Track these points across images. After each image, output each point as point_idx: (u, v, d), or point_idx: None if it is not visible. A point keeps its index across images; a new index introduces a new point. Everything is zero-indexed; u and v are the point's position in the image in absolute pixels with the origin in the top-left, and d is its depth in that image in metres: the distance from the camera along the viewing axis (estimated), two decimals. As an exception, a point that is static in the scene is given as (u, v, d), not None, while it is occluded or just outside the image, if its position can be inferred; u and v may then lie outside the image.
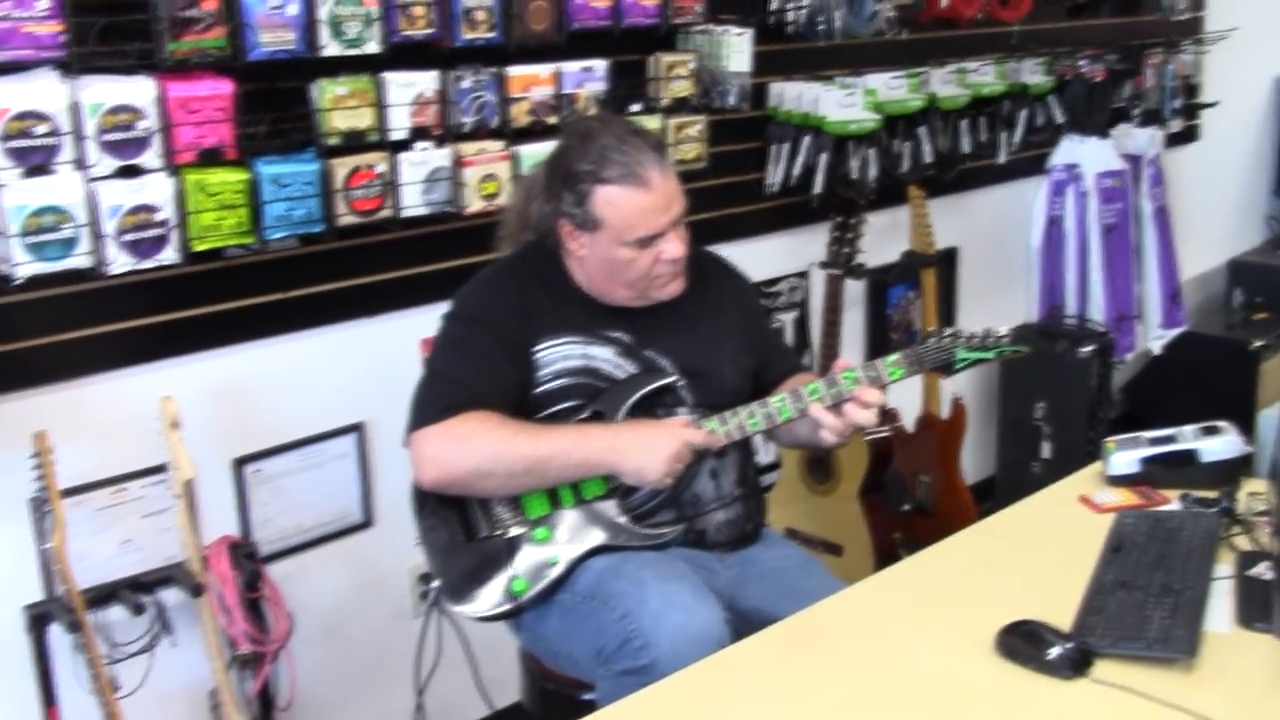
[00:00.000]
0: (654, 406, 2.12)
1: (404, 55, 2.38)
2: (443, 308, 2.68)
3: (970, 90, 3.61)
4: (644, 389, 2.10)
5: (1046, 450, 4.04)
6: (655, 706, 1.58)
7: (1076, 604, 1.68)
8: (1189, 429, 2.08)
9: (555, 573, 2.05)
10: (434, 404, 2.04)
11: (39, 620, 2.24)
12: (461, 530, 2.09)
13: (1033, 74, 3.84)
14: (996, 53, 3.71)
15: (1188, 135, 4.68)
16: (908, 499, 3.59)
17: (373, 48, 2.32)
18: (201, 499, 2.40)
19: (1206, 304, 4.94)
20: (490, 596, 2.06)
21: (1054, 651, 1.55)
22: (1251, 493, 1.97)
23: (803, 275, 3.45)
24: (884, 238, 3.52)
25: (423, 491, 2.10)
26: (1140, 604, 1.64)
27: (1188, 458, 2.03)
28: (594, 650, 1.98)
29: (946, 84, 3.55)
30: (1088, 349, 3.90)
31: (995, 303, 4.11)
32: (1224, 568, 1.78)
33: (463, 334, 2.11)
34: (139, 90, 2.08)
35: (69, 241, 2.05)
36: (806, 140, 3.21)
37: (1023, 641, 1.58)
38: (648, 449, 2.00)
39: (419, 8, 2.36)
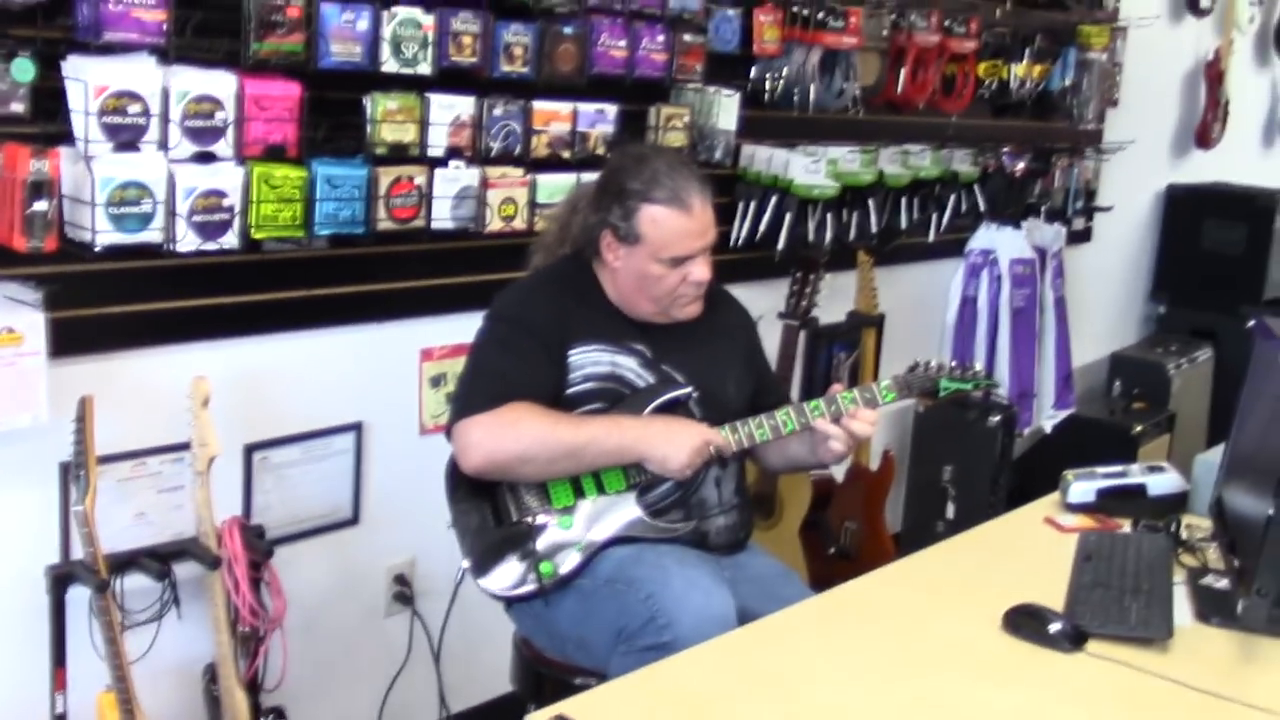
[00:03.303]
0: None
1: (447, 79, 2.58)
2: (447, 320, 2.88)
3: (911, 171, 3.95)
4: (663, 396, 2.31)
5: (950, 511, 4.36)
6: (688, 671, 1.75)
7: (1062, 598, 1.94)
8: (1136, 467, 2.39)
9: (579, 559, 2.23)
10: (480, 395, 2.21)
11: (61, 580, 2.31)
12: (492, 515, 2.26)
13: (962, 163, 4.21)
14: (935, 140, 4.07)
15: (1084, 235, 5.13)
16: (832, 543, 3.84)
17: (424, 69, 2.51)
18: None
19: (1088, 393, 5.35)
20: (511, 576, 2.23)
21: (1055, 627, 1.80)
22: (1189, 524, 2.27)
23: (751, 326, 3.70)
24: (825, 298, 3.80)
25: (457, 478, 2.27)
26: (1118, 598, 1.91)
27: (1137, 491, 2.33)
28: (614, 630, 2.16)
29: (892, 163, 3.88)
30: (995, 419, 4.24)
31: (909, 371, 4.43)
32: (1177, 578, 2.06)
33: (504, 333, 2.30)
34: (222, 83, 2.24)
35: (146, 216, 2.17)
36: (773, 200, 3.49)
37: (1027, 619, 1.83)
38: (674, 439, 2.21)
39: (468, 37, 2.57)
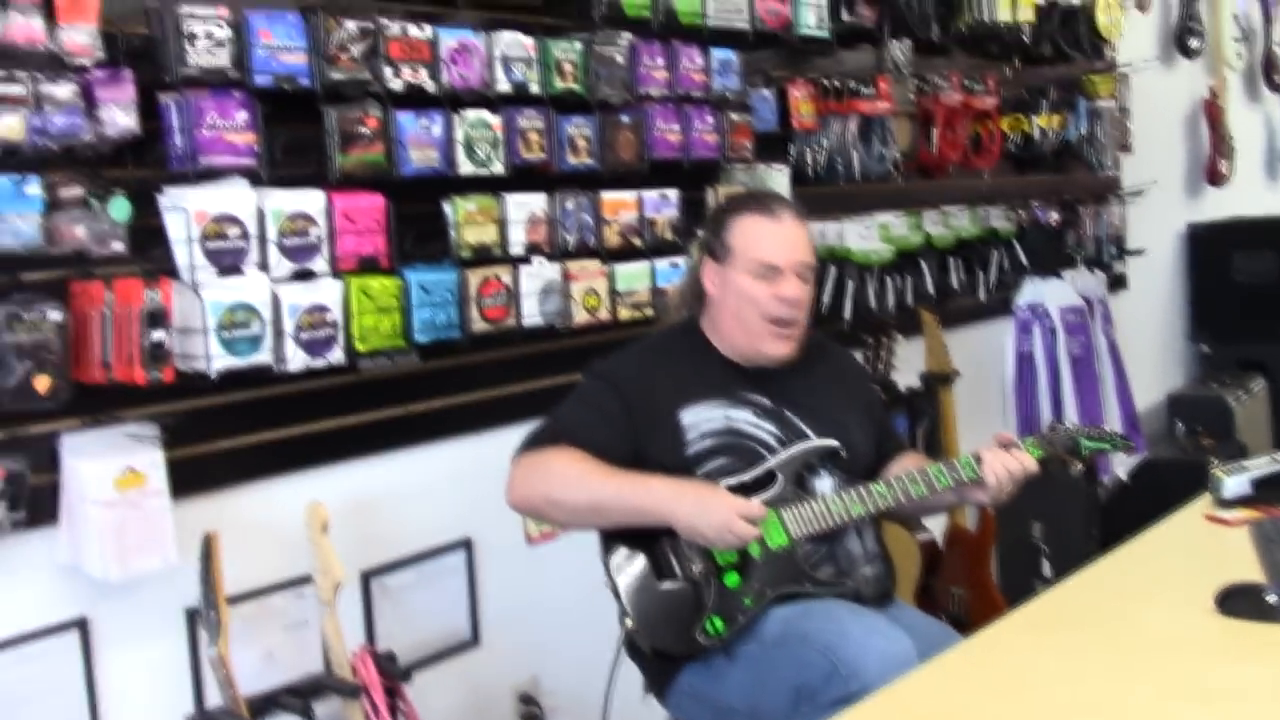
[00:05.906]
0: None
1: (520, 178, 2.59)
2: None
3: (953, 231, 3.97)
4: (807, 447, 2.27)
5: (1046, 568, 4.26)
6: (924, 692, 1.68)
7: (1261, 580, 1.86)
8: (1282, 454, 2.33)
9: (748, 615, 2.16)
10: (537, 437, 2.24)
11: (203, 730, 2.22)
12: (651, 570, 2.19)
13: (998, 220, 4.23)
14: (969, 199, 4.10)
15: (1120, 281, 5.13)
16: (940, 613, 3.72)
17: (497, 168, 2.52)
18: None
19: (1151, 436, 5.30)
20: (685, 635, 2.16)
21: (1273, 599, 1.72)
22: (1351, 502, 2.21)
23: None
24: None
25: (608, 536, 2.23)
26: (1322, 570, 1.84)
27: (1292, 476, 2.27)
28: (793, 690, 2.06)
29: (935, 225, 3.90)
30: (1078, 469, 4.17)
31: (977, 432, 4.36)
32: (1367, 551, 1.99)
33: (590, 389, 2.30)
34: (312, 199, 2.24)
35: (256, 339, 2.15)
36: (832, 271, 3.48)
37: (1241, 597, 1.75)
38: (704, 509, 2.13)
39: (534, 134, 2.59)
